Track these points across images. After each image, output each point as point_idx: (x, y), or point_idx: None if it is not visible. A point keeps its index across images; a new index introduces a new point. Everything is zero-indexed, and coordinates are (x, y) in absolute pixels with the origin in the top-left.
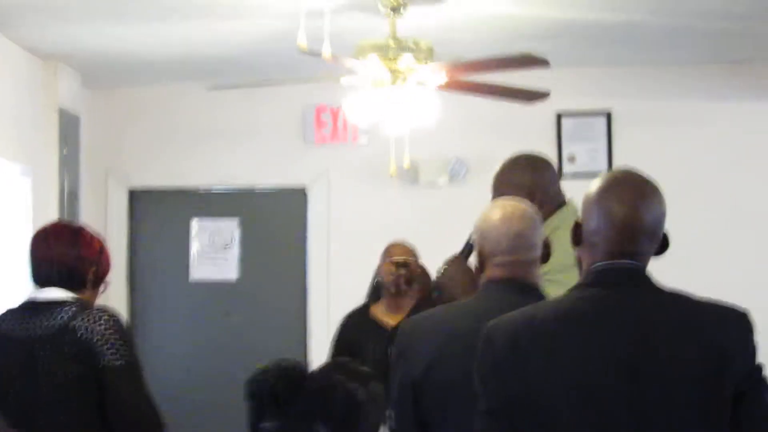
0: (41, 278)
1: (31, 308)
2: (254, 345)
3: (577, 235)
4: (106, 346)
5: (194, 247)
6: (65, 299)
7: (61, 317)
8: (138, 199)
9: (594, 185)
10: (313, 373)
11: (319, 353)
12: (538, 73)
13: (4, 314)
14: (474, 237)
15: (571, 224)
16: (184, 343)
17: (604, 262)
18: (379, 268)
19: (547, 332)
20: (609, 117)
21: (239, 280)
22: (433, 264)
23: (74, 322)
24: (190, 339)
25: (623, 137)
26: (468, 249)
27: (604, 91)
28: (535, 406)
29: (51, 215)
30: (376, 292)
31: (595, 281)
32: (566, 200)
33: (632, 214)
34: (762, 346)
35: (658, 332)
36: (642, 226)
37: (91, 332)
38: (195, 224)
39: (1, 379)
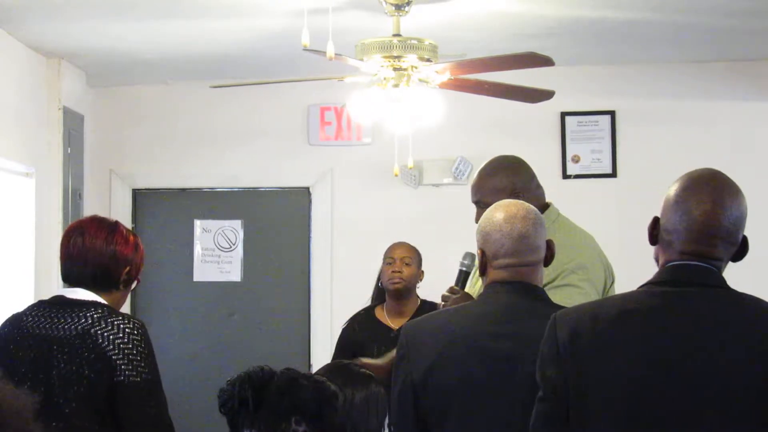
0: (72, 278)
1: (58, 305)
2: (258, 345)
3: (655, 233)
4: (124, 361)
5: (198, 248)
6: (92, 301)
7: (84, 321)
8: (141, 200)
9: (675, 184)
10: (278, 372)
11: (322, 354)
12: (542, 72)
13: (32, 307)
14: (476, 238)
15: (557, 225)
16: (187, 343)
17: (676, 262)
18: (381, 270)
19: (609, 327)
20: (613, 116)
21: (243, 281)
22: (435, 264)
23: (95, 329)
24: (193, 339)
25: (628, 136)
26: (463, 277)
27: (608, 90)
28: (589, 399)
29: (54, 215)
30: (380, 295)
31: (665, 279)
32: (547, 202)
33: (709, 215)
34: None
35: (719, 335)
36: (718, 228)
37: (111, 344)
38: (198, 225)
39: (13, 374)
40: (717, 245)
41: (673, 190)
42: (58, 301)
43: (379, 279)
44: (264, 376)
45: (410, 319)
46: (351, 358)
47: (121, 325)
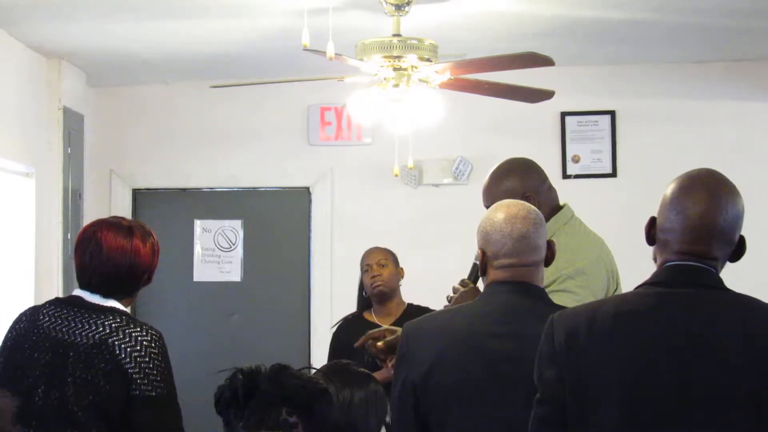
0: (89, 285)
1: (76, 308)
2: (258, 345)
3: (652, 233)
4: (140, 375)
5: (198, 248)
6: (110, 308)
7: (102, 330)
8: (141, 200)
9: (672, 183)
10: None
11: (322, 354)
12: (542, 72)
13: (48, 306)
14: (477, 238)
15: (568, 228)
16: (187, 343)
17: (673, 262)
18: (362, 280)
19: (605, 327)
20: (613, 116)
21: (243, 281)
22: (435, 264)
23: (113, 339)
24: (193, 339)
25: (628, 136)
26: (475, 272)
27: (608, 90)
28: (588, 400)
29: (54, 215)
30: (365, 304)
31: (662, 279)
32: (560, 203)
33: (705, 215)
34: None
35: (714, 335)
36: (714, 227)
37: (128, 356)
38: (198, 225)
39: (26, 376)
40: (713, 245)
41: (669, 190)
42: (77, 304)
43: (361, 289)
44: (252, 368)
45: (398, 319)
46: (346, 359)
47: (139, 338)
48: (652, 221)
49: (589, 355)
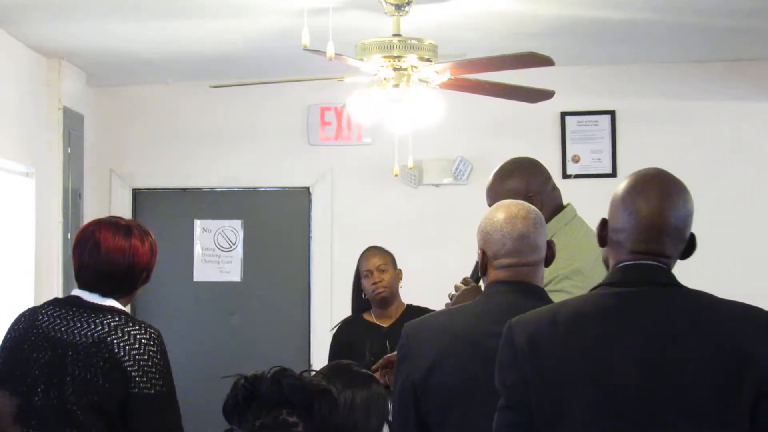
0: (87, 285)
1: (75, 308)
2: (258, 345)
3: (604, 234)
4: (139, 373)
5: (198, 248)
6: (109, 307)
7: (100, 329)
8: (141, 200)
9: (622, 184)
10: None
11: (321, 353)
12: (542, 72)
13: (46, 306)
14: (477, 238)
15: (569, 228)
16: (187, 343)
17: (628, 261)
18: (357, 277)
19: (567, 330)
20: (613, 116)
21: (243, 281)
22: (435, 264)
23: (111, 338)
24: (193, 339)
25: (627, 136)
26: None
27: (608, 90)
28: (552, 403)
29: (54, 215)
30: (364, 304)
31: (618, 280)
32: (563, 203)
33: (657, 213)
34: None
35: (677, 332)
36: (667, 226)
37: (127, 354)
38: (198, 225)
39: (26, 375)
40: (666, 243)
41: (620, 190)
42: (75, 303)
43: (356, 290)
44: (255, 374)
45: (397, 320)
46: (347, 350)
47: (138, 336)
48: (604, 222)
49: (552, 359)
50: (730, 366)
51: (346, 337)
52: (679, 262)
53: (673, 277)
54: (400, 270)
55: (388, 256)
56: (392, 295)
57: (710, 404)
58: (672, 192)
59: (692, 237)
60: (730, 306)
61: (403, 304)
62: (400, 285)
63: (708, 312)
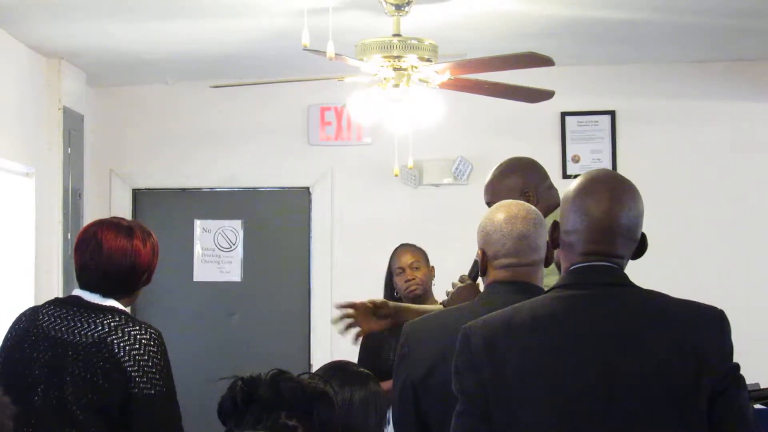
0: (88, 285)
1: (75, 308)
2: (258, 345)
3: (555, 236)
4: (139, 373)
5: (198, 248)
6: (110, 307)
7: (101, 329)
8: (141, 200)
9: (571, 186)
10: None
11: (322, 354)
12: (542, 72)
13: (47, 306)
14: (477, 238)
15: None
16: (187, 343)
17: (580, 264)
18: (389, 275)
19: (524, 334)
20: (613, 116)
21: (243, 281)
22: (436, 264)
23: (112, 338)
24: (193, 340)
25: (627, 136)
26: (476, 270)
27: (608, 90)
28: (511, 407)
29: (54, 215)
30: (397, 301)
31: (571, 282)
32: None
33: (608, 215)
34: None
35: (632, 332)
36: (618, 227)
37: (127, 354)
38: (198, 225)
39: (26, 375)
40: (618, 243)
41: (570, 192)
42: (76, 303)
43: (388, 287)
44: (252, 375)
45: None
46: (375, 354)
47: (138, 336)
48: (555, 225)
49: (509, 362)
50: (687, 366)
51: (372, 342)
52: (680, 263)
53: (625, 277)
54: (432, 267)
55: (420, 254)
56: (425, 293)
57: (669, 403)
58: (622, 192)
59: (643, 237)
60: (682, 305)
61: (436, 301)
62: (433, 282)
63: (662, 312)
